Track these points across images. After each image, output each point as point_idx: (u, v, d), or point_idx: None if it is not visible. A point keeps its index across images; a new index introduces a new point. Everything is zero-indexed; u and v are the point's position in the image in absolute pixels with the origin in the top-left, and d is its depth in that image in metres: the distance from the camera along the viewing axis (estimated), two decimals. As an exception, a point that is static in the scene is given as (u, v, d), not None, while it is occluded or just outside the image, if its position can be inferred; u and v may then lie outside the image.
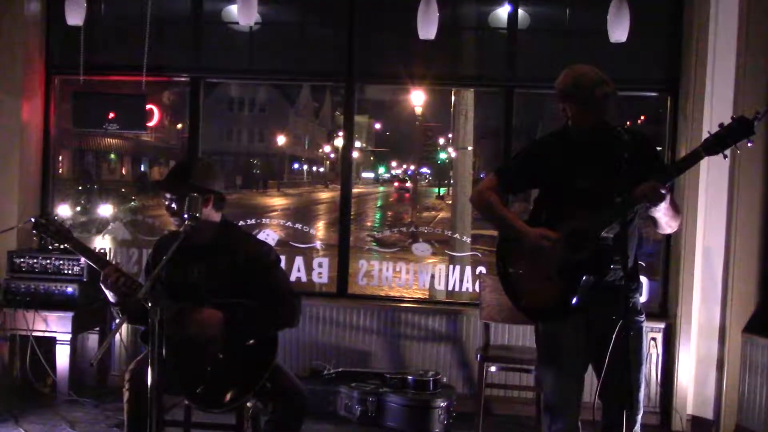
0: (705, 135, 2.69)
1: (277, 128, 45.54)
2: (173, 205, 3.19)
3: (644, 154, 2.90)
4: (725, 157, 2.68)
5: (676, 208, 2.93)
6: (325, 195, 35.17)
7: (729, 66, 4.74)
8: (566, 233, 2.89)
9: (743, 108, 4.60)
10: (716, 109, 4.73)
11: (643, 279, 5.16)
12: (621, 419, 2.64)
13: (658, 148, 5.20)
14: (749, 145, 2.66)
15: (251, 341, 3.17)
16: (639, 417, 2.97)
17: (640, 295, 3.12)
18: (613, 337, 2.69)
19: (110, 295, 3.11)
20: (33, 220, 3.17)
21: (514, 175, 3.17)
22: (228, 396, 3.11)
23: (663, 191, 2.70)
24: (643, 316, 3.03)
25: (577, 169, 2.94)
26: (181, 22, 5.76)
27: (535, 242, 2.92)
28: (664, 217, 2.86)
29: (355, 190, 5.89)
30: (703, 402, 4.87)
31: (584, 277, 2.86)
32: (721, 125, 2.65)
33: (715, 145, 2.64)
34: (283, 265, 3.71)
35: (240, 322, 3.13)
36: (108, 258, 5.43)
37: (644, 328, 3.02)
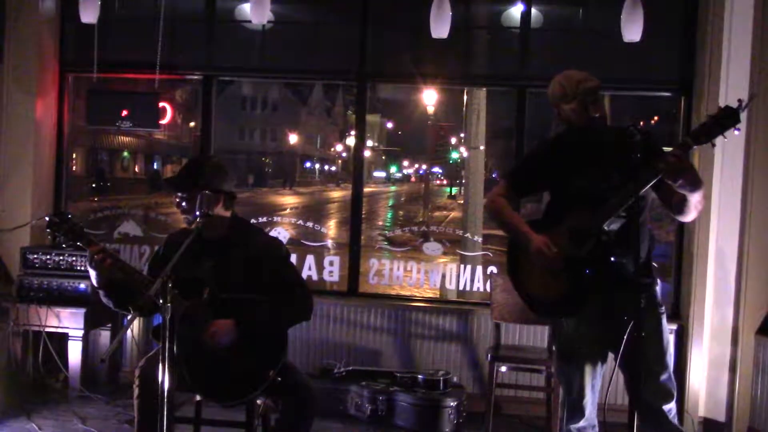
0: (718, 134, 2.74)
1: (289, 127, 45.65)
2: (183, 204, 3.21)
3: (652, 153, 2.91)
4: (713, 146, 2.74)
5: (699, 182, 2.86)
6: (336, 194, 35.22)
7: (743, 65, 4.71)
8: (569, 229, 2.97)
9: (757, 107, 4.59)
10: (730, 108, 4.70)
11: (656, 280, 5.15)
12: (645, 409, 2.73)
13: (670, 149, 5.17)
14: (736, 133, 2.71)
15: (263, 336, 3.17)
16: (670, 405, 3.01)
17: (658, 287, 3.15)
18: (627, 330, 2.71)
19: (93, 275, 3.14)
20: (47, 218, 3.18)
21: (522, 179, 3.29)
22: (239, 390, 3.12)
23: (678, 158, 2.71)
24: (663, 308, 3.08)
25: (577, 168, 3.03)
26: (194, 21, 5.77)
27: (536, 251, 3.01)
28: (687, 185, 2.77)
29: (366, 189, 5.91)
30: (715, 404, 4.84)
31: (587, 271, 2.92)
32: (708, 116, 2.72)
33: (702, 134, 2.71)
34: (293, 261, 3.71)
35: (252, 317, 3.14)
36: (119, 254, 5.47)
37: (664, 319, 3.06)
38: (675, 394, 3.05)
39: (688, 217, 3.00)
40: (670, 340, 3.11)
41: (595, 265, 2.91)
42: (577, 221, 2.95)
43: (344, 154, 47.77)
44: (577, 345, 3.11)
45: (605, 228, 2.90)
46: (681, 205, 2.93)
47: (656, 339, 3.01)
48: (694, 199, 2.87)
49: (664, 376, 3.01)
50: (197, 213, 2.91)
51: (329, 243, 6.67)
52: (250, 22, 5.38)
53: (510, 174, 3.34)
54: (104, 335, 5.36)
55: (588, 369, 3.10)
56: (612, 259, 2.89)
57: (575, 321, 3.09)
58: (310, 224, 6.44)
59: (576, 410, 3.13)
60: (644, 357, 2.82)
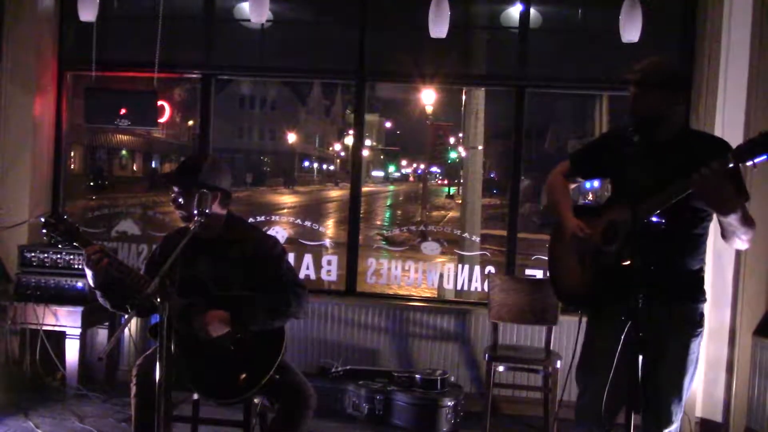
0: (762, 155, 2.51)
1: (287, 126, 45.64)
2: (180, 199, 3.21)
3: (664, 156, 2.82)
4: (754, 166, 2.44)
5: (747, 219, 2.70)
6: (335, 193, 35.26)
7: (742, 67, 4.71)
8: (605, 222, 2.90)
9: (755, 109, 4.59)
10: (728, 110, 4.70)
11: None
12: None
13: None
14: None
15: (260, 334, 3.17)
16: (673, 428, 2.92)
17: (697, 303, 3.00)
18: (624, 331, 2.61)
19: (90, 276, 3.12)
20: (42, 219, 3.15)
21: (582, 160, 3.24)
22: (238, 387, 3.12)
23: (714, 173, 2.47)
24: (699, 330, 2.92)
25: (625, 164, 2.89)
26: (194, 19, 5.77)
27: (570, 234, 2.98)
28: (714, 205, 2.61)
29: (365, 189, 5.91)
30: (712, 405, 4.84)
31: (612, 271, 2.79)
32: (759, 132, 2.45)
33: (745, 151, 2.44)
34: (290, 259, 3.71)
35: (247, 314, 3.14)
36: (117, 254, 5.48)
37: (695, 342, 2.92)
38: (677, 422, 2.92)
39: (733, 244, 2.79)
40: (693, 364, 2.90)
41: (619, 266, 2.74)
42: (615, 216, 2.85)
43: (343, 154, 47.81)
44: (592, 354, 3.04)
45: (637, 230, 2.68)
46: (722, 228, 2.76)
47: (678, 360, 2.87)
48: (727, 222, 2.68)
49: (671, 400, 2.87)
50: (195, 212, 2.91)
51: (327, 242, 6.68)
52: (249, 21, 5.37)
53: (574, 154, 3.32)
54: (102, 334, 5.36)
55: (603, 380, 2.90)
56: (645, 265, 2.55)
57: (594, 330, 3.03)
58: (308, 223, 6.44)
59: (584, 417, 3.05)
60: (657, 375, 2.72)
